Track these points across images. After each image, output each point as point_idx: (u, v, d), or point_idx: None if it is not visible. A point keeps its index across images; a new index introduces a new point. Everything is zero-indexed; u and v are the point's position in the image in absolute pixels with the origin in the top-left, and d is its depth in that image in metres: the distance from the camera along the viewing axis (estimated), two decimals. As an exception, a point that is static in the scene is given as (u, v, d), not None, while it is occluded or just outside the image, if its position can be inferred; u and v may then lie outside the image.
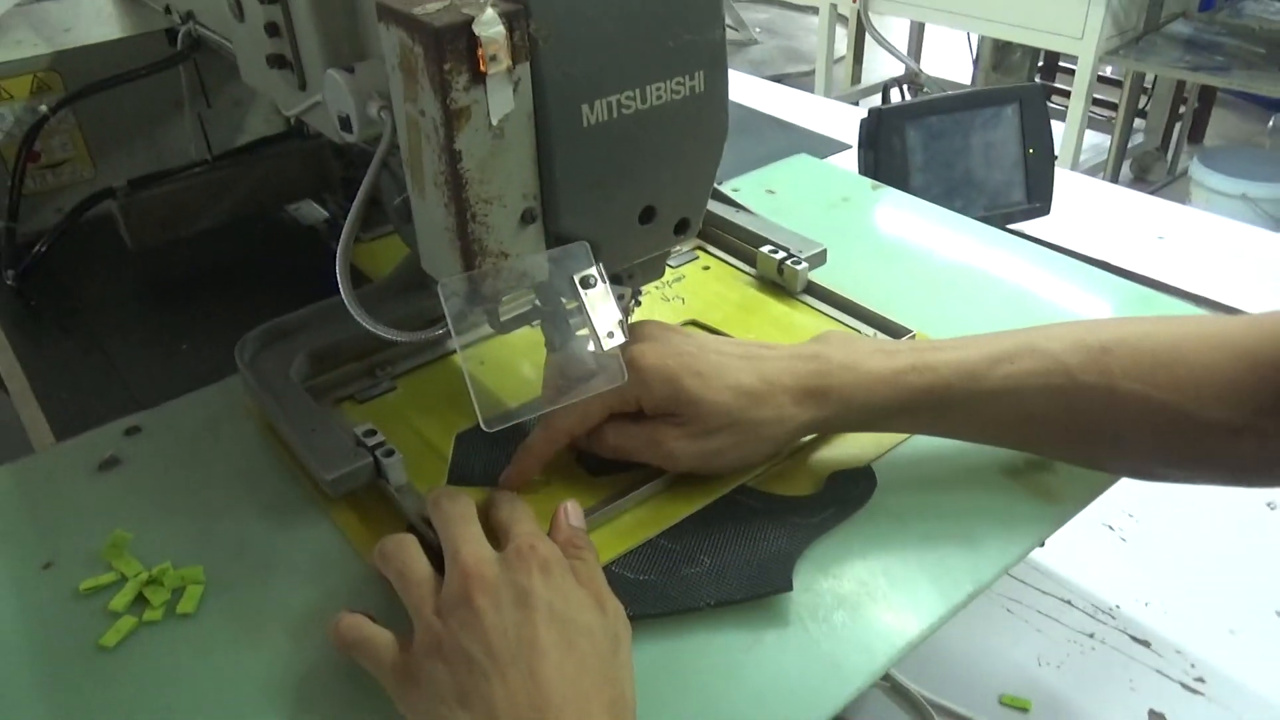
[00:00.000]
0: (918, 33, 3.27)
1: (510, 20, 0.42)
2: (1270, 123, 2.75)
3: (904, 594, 0.48)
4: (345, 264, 0.50)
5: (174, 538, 0.52)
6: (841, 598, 0.48)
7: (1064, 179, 1.12)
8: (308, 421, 0.55)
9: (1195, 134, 3.13)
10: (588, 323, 0.49)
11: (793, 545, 0.49)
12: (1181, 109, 2.94)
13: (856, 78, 3.12)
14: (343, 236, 0.50)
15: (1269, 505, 0.82)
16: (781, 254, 0.71)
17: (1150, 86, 2.85)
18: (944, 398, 0.51)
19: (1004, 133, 0.96)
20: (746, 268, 0.75)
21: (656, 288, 0.72)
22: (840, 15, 2.95)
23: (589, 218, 0.49)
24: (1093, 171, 2.69)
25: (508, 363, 0.60)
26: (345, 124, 0.54)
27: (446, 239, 0.46)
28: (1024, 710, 0.67)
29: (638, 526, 0.51)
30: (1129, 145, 2.73)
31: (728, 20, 3.70)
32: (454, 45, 0.41)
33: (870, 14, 2.81)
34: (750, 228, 0.75)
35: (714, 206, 0.78)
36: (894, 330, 0.65)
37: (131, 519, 0.53)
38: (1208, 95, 3.07)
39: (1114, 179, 2.63)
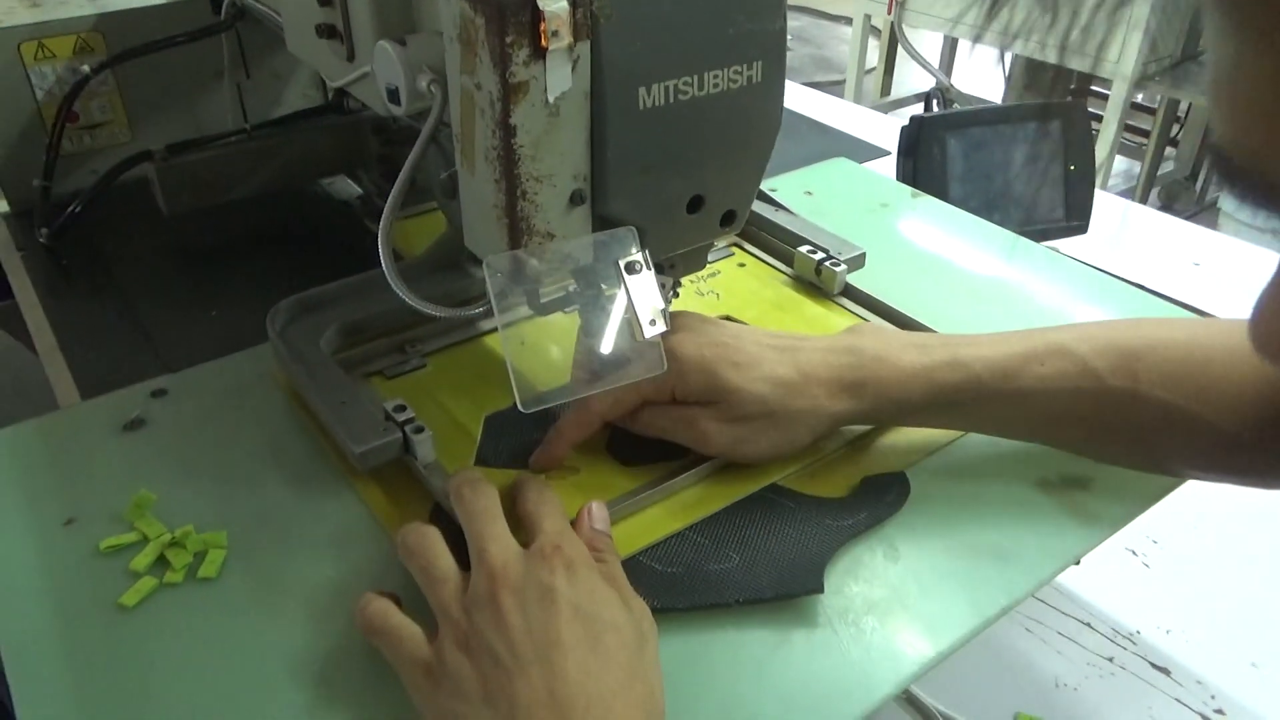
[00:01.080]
0: (950, 48, 3.25)
1: (574, -3, 0.41)
2: (1302, 158, 2.73)
3: (935, 604, 0.47)
4: (387, 238, 0.49)
5: (196, 502, 0.51)
6: (873, 603, 0.47)
7: (1101, 200, 1.11)
8: (337, 394, 0.55)
9: (1225, 166, 3.10)
10: (630, 308, 0.49)
11: (824, 547, 0.49)
12: (1213, 139, 2.92)
13: (887, 89, 3.11)
14: (386, 209, 0.49)
15: (1294, 540, 0.81)
16: (820, 255, 0.71)
17: (1184, 115, 2.83)
18: (975, 395, 0.52)
19: (1046, 148, 0.95)
20: (783, 267, 0.74)
21: (691, 281, 0.72)
22: (874, 26, 2.94)
23: (637, 203, 0.48)
24: (1122, 196, 2.67)
25: (546, 345, 0.60)
26: (394, 96, 0.53)
27: (494, 216, 0.46)
28: (1040, 731, 0.66)
29: (668, 518, 0.51)
30: (1159, 172, 2.71)
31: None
32: (517, 18, 0.40)
33: (904, 26, 2.80)
34: (790, 227, 0.74)
35: (753, 205, 0.78)
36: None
37: (155, 481, 0.52)
38: (1240, 127, 3.04)
39: (1143, 202, 2.61)
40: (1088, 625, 0.74)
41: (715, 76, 0.47)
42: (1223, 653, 0.71)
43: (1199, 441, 0.50)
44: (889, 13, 2.79)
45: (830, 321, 0.68)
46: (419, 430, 0.52)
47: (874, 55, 3.02)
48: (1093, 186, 0.96)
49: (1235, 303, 1.02)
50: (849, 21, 3.05)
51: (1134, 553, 0.79)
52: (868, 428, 0.56)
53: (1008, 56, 2.99)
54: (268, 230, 0.84)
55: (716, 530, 0.50)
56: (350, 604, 0.44)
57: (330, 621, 0.45)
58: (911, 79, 3.38)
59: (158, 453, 0.55)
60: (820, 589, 0.46)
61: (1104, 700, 0.68)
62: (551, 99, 0.43)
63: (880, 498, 0.52)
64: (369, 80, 0.56)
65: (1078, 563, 0.51)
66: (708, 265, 0.74)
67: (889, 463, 0.55)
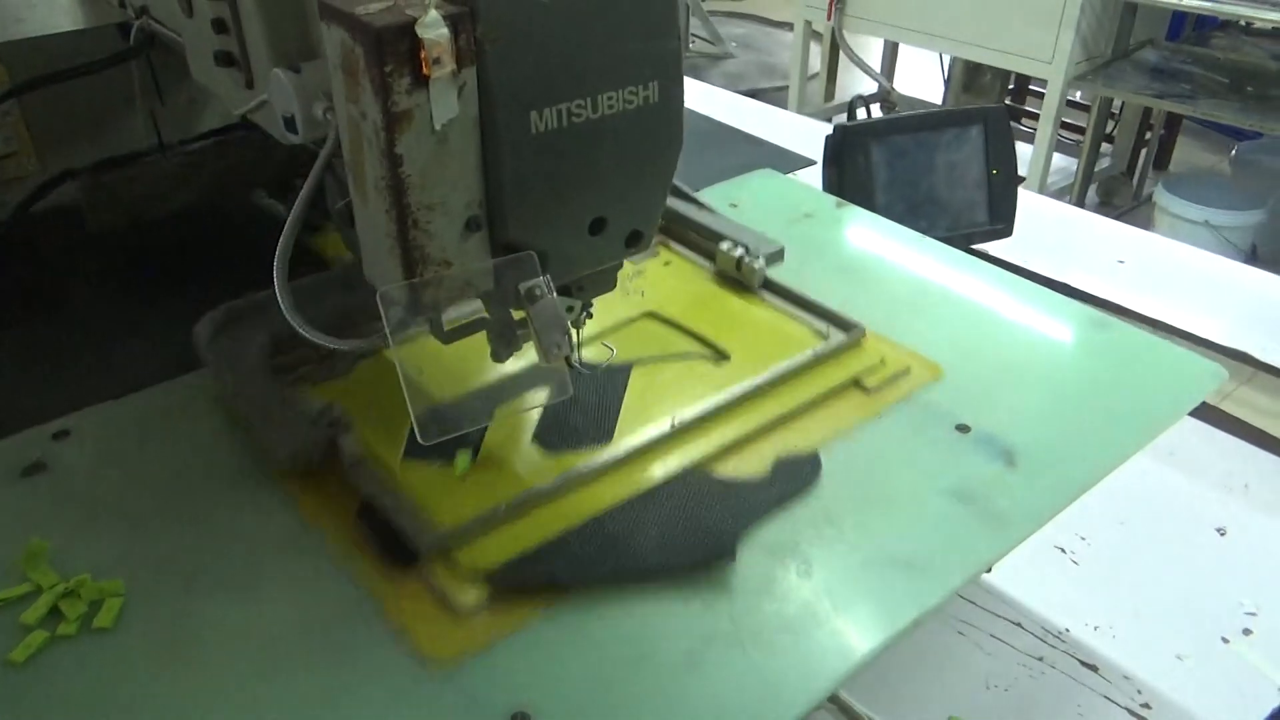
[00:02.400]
0: (891, 52, 3.29)
1: (455, 23, 0.41)
2: (1233, 151, 2.80)
3: (848, 618, 0.47)
4: (283, 266, 0.48)
5: (98, 548, 0.50)
6: (785, 621, 0.47)
7: (1029, 201, 1.13)
8: (268, 399, 0.54)
9: (1161, 160, 3.18)
10: (533, 335, 0.48)
11: (738, 519, 0.51)
12: (1148, 135, 2.99)
13: (830, 94, 3.14)
14: (281, 241, 0.48)
15: (1219, 531, 0.83)
16: (740, 250, 0.73)
17: (1118, 112, 2.89)
18: None
19: (968, 153, 0.96)
20: (706, 264, 0.76)
21: (620, 279, 0.72)
22: (815, 32, 2.97)
23: (536, 228, 0.48)
24: (1059, 194, 2.72)
25: (447, 374, 0.59)
26: (290, 125, 0.52)
27: (387, 246, 0.45)
28: (972, 734, 0.66)
29: (592, 501, 0.52)
30: (1095, 169, 2.76)
31: (703, 34, 3.69)
32: (395, 47, 0.40)
33: (844, 31, 2.83)
34: (711, 225, 0.76)
35: (675, 204, 0.79)
36: (845, 324, 0.66)
37: (54, 528, 0.51)
38: (1174, 122, 3.12)
39: (1080, 202, 2.66)
40: (1018, 625, 0.74)
41: (610, 98, 0.47)
42: (1149, 647, 0.72)
43: None
44: (828, 18, 2.82)
45: (752, 314, 0.70)
46: (346, 428, 0.51)
47: (817, 60, 3.05)
48: (1015, 189, 0.98)
49: (1155, 300, 1.04)
50: (791, 27, 3.08)
51: (1063, 550, 0.80)
52: (787, 410, 0.59)
53: (946, 59, 3.03)
54: (191, 251, 0.83)
55: (637, 511, 0.52)
56: (259, 646, 0.43)
57: (237, 664, 0.44)
58: (856, 83, 3.42)
59: (58, 498, 0.53)
60: (732, 557, 0.48)
61: (1034, 700, 0.69)
62: (438, 126, 0.42)
63: (794, 475, 0.54)
64: (269, 108, 0.55)
65: (989, 570, 0.51)
66: (632, 265, 0.75)
67: (802, 443, 0.57)
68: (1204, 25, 2.72)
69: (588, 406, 0.59)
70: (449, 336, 0.51)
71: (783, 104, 3.18)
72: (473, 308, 0.56)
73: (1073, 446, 0.58)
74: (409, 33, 0.40)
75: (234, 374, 0.56)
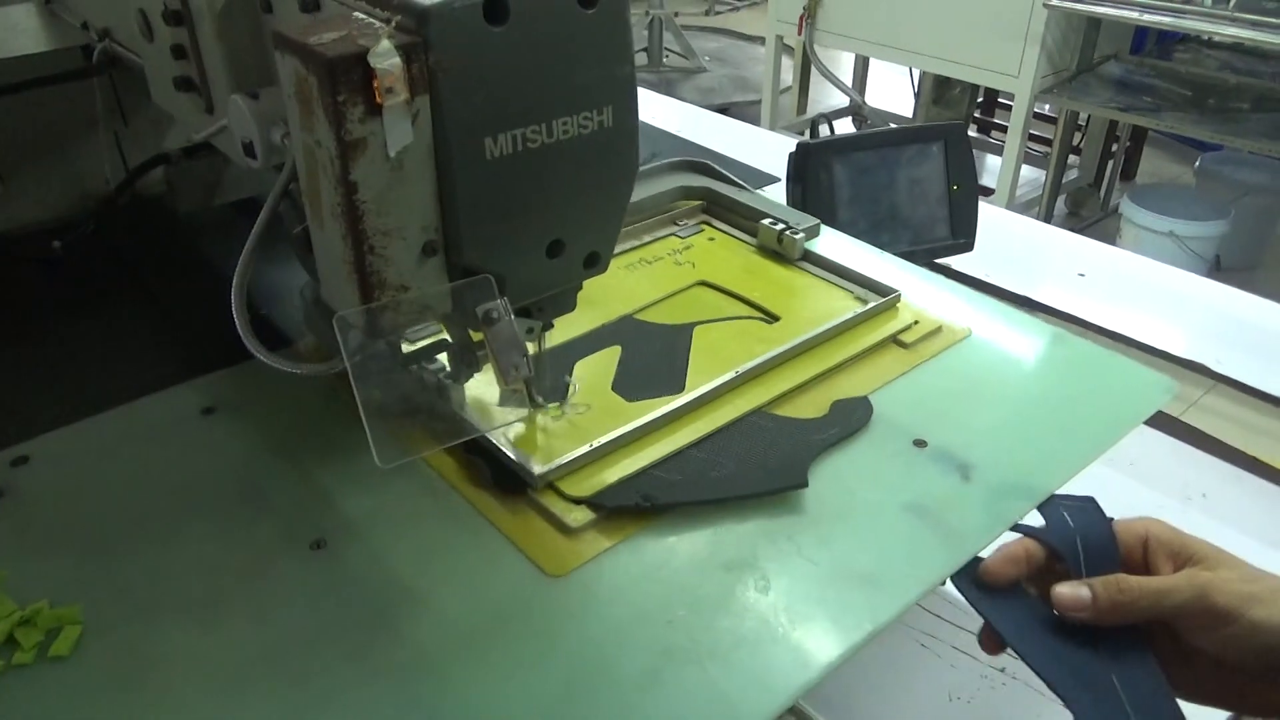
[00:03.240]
0: (862, 66, 3.33)
1: (408, 52, 0.41)
2: (1197, 163, 2.85)
3: (804, 632, 0.48)
4: (240, 294, 0.48)
5: (57, 575, 0.50)
6: (741, 637, 0.48)
7: (991, 215, 1.15)
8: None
9: (1128, 171, 3.23)
10: (491, 357, 0.49)
11: (806, 452, 0.57)
12: (1114, 147, 3.03)
13: (803, 108, 3.17)
14: (239, 266, 0.49)
15: (1178, 539, 0.84)
16: (780, 225, 0.80)
17: (1084, 125, 2.94)
18: None
19: (929, 170, 0.97)
20: (747, 238, 0.83)
21: (670, 254, 0.81)
22: (787, 46, 3.00)
23: (493, 251, 0.48)
24: (1028, 206, 2.76)
25: (407, 399, 0.59)
26: (249, 150, 0.53)
27: (344, 271, 0.46)
28: (934, 746, 0.67)
29: (670, 440, 0.58)
30: (1064, 181, 2.80)
31: (677, 48, 3.70)
32: (348, 76, 0.40)
33: (815, 46, 2.86)
34: (751, 204, 0.84)
35: (716, 185, 0.88)
36: (881, 289, 0.73)
37: (11, 556, 0.51)
38: (1139, 134, 3.17)
39: (1049, 214, 2.70)
40: (981, 636, 0.75)
41: (565, 123, 0.48)
42: (1109, 655, 0.74)
43: None
44: (799, 33, 2.85)
45: (795, 281, 0.77)
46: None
47: (789, 74, 3.08)
48: (976, 204, 0.99)
49: (1115, 312, 1.05)
50: (763, 42, 3.10)
51: (1025, 561, 0.81)
52: (837, 361, 0.66)
53: (916, 73, 3.07)
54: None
55: (712, 447, 0.58)
56: (220, 671, 0.43)
57: (194, 691, 0.44)
58: (828, 97, 3.45)
59: (16, 525, 0.53)
60: (805, 483, 0.55)
61: (996, 711, 0.70)
62: (392, 154, 0.43)
63: (849, 417, 0.61)
64: (228, 133, 0.55)
65: (944, 584, 0.52)
66: (681, 240, 0.83)
67: (854, 389, 0.64)
68: (1166, 39, 2.77)
69: (659, 362, 0.65)
70: (407, 359, 0.51)
71: (756, 117, 3.21)
72: (434, 329, 0.56)
73: (1027, 460, 0.59)
74: (361, 62, 0.40)
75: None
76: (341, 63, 0.40)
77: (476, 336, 0.53)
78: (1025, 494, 0.57)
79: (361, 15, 0.44)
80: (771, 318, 0.72)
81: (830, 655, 0.47)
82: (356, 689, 0.45)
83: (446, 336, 0.55)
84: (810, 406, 0.62)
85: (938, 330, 0.71)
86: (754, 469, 0.56)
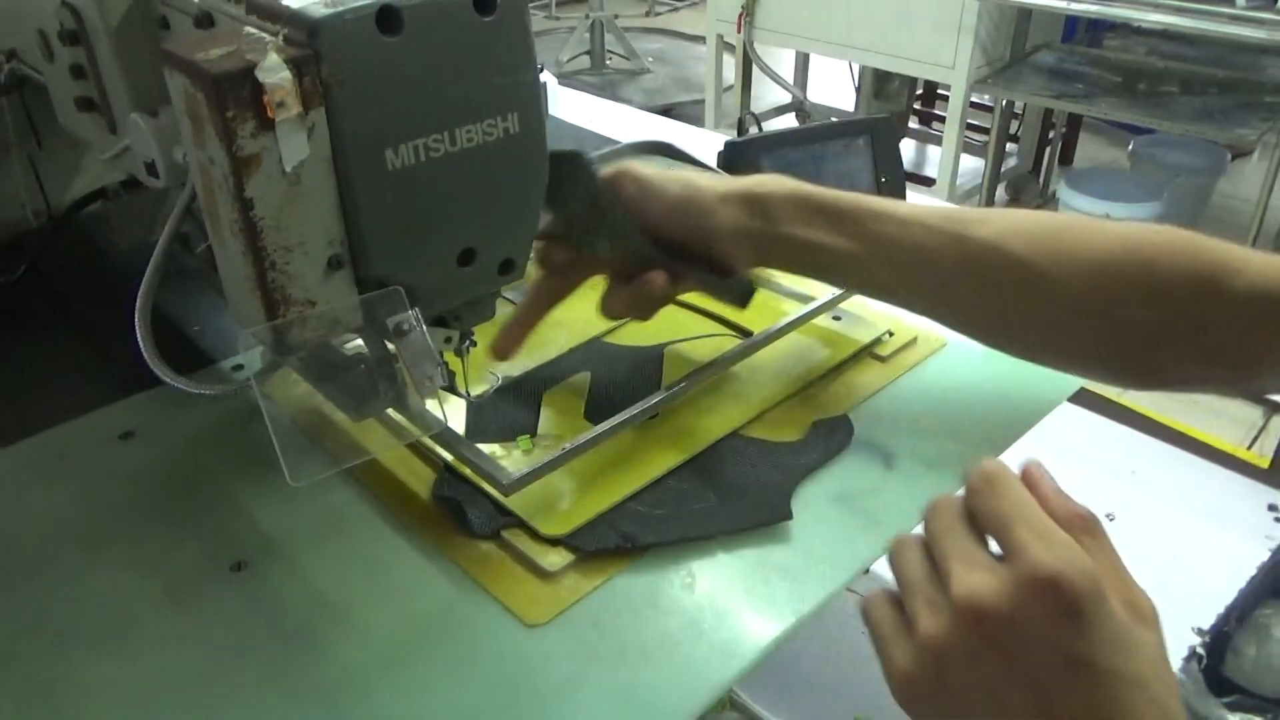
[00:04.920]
0: (803, 62, 3.36)
1: (298, 65, 0.41)
2: (1130, 146, 2.91)
3: (729, 627, 0.48)
4: (144, 314, 0.48)
5: (-34, 609, 0.49)
6: (667, 634, 0.48)
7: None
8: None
9: (1065, 157, 3.29)
10: (404, 370, 0.49)
11: (787, 480, 0.56)
12: (1051, 134, 3.09)
13: (746, 105, 3.18)
14: (143, 286, 0.48)
15: (1108, 516, 0.86)
16: None
17: (1021, 113, 2.99)
18: (852, 206, 0.57)
19: (856, 164, 0.98)
20: None
21: None
22: (728, 44, 3.01)
23: (401, 262, 0.48)
24: (970, 194, 2.80)
25: (315, 414, 0.59)
26: (151, 170, 0.52)
27: (247, 288, 0.45)
28: (875, 732, 0.68)
29: (646, 468, 0.56)
30: (1003, 169, 2.85)
31: (620, 50, 3.71)
32: (236, 92, 0.40)
33: (755, 44, 2.88)
34: None
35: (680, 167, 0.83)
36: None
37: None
38: (1075, 121, 3.23)
39: (989, 201, 2.74)
40: (919, 621, 0.76)
41: (469, 132, 0.48)
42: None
43: (1048, 307, 0.53)
44: (739, 31, 2.87)
45: (762, 296, 0.72)
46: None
47: (732, 73, 3.10)
48: (905, 196, 1.00)
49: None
50: (704, 41, 3.12)
51: (962, 545, 0.83)
52: (815, 377, 0.64)
53: (855, 67, 3.11)
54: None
55: (692, 476, 0.56)
56: (137, 699, 0.43)
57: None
58: (771, 94, 3.48)
59: (-75, 560, 0.52)
60: (789, 516, 0.53)
61: (935, 693, 0.71)
62: (288, 169, 0.43)
63: (830, 437, 0.60)
64: (132, 153, 0.54)
65: (867, 571, 0.52)
66: None
67: (834, 408, 0.62)
68: (1096, 27, 2.83)
69: (630, 387, 0.63)
70: (322, 374, 0.51)
71: (700, 116, 3.22)
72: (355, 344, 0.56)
73: (949, 446, 0.60)
74: (249, 77, 0.40)
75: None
76: (228, 78, 0.40)
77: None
78: (948, 480, 0.58)
79: (253, 30, 0.43)
80: (744, 333, 0.69)
81: (756, 649, 0.47)
82: (277, 710, 0.44)
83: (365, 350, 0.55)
84: (788, 425, 0.61)
85: (913, 341, 0.69)
86: (736, 500, 0.55)
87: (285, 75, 0.40)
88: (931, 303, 0.59)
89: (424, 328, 0.49)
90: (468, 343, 0.58)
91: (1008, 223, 0.55)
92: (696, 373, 0.61)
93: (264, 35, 0.42)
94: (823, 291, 0.70)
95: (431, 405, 0.50)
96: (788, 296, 0.75)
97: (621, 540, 0.52)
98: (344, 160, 0.44)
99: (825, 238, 0.57)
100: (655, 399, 0.59)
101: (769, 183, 0.59)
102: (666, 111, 3.69)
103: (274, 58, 0.40)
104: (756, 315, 0.71)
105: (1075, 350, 0.55)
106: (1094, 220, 0.55)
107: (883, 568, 0.81)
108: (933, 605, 0.33)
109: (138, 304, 0.48)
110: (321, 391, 0.54)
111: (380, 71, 0.44)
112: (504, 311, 0.58)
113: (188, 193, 0.48)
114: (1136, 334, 0.52)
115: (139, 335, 0.47)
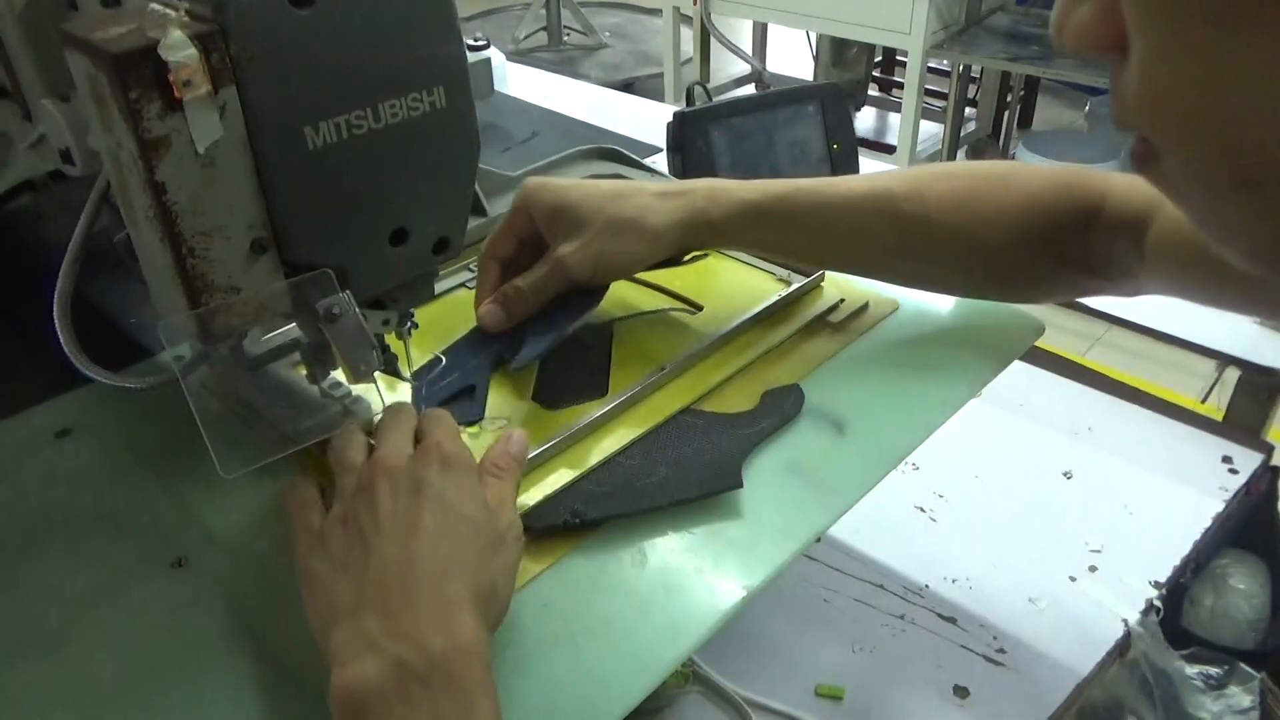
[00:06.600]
0: (761, 33, 3.34)
1: (205, 42, 0.40)
2: (1086, 107, 2.93)
3: (679, 603, 0.48)
4: (64, 308, 0.46)
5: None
6: (616, 613, 0.47)
7: (875, 170, 1.16)
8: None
9: (1024, 120, 3.30)
10: (337, 354, 0.47)
11: (739, 450, 0.55)
12: (1009, 97, 3.10)
13: (706, 77, 3.16)
14: (60, 279, 0.46)
15: (1065, 475, 0.87)
16: None
17: (979, 77, 2.99)
18: (789, 206, 0.62)
19: (807, 130, 0.98)
20: None
21: None
22: (684, 16, 2.99)
23: (329, 245, 0.47)
24: (930, 160, 2.80)
25: (247, 403, 0.57)
26: (67, 157, 0.50)
27: (167, 276, 0.44)
28: (837, 699, 0.68)
29: (596, 450, 0.56)
30: (963, 133, 2.85)
31: (576, 25, 3.66)
32: (138, 72, 0.38)
33: (711, 15, 2.86)
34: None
35: (627, 171, 0.87)
36: (804, 270, 0.71)
37: None
38: (1032, 83, 3.24)
39: (950, 166, 2.75)
40: (880, 587, 0.77)
41: (393, 107, 0.46)
42: (1003, 594, 0.76)
43: (974, 257, 0.62)
44: (695, 3, 2.84)
45: (714, 268, 0.74)
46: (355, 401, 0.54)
47: (690, 45, 3.07)
48: (857, 161, 1.00)
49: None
50: (661, 14, 3.09)
51: (922, 509, 0.83)
52: (765, 348, 0.64)
53: (813, 36, 3.09)
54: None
55: (642, 452, 0.56)
56: (74, 702, 0.41)
57: (44, 728, 0.42)
58: (730, 65, 3.45)
59: None
60: (740, 484, 0.53)
61: (896, 657, 0.71)
62: (201, 150, 0.41)
63: (780, 406, 0.59)
64: (48, 141, 0.52)
65: (819, 540, 0.52)
66: None
67: (785, 377, 0.62)
68: (1050, -12, 2.83)
69: (578, 364, 0.63)
70: (253, 363, 0.49)
71: (660, 90, 3.20)
72: (286, 329, 0.55)
73: (900, 410, 0.60)
74: (151, 55, 0.38)
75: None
76: (128, 57, 0.38)
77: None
78: (898, 444, 0.57)
79: (157, 6, 0.41)
80: (694, 308, 0.69)
81: (707, 625, 0.47)
82: (217, 704, 0.43)
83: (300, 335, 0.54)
84: (742, 398, 0.60)
85: (864, 306, 0.68)
86: (687, 472, 0.54)
87: (190, 53, 0.39)
88: (868, 270, 0.67)
89: (358, 311, 0.47)
90: (409, 324, 0.57)
91: (933, 191, 0.62)
92: (654, 380, 0.60)
93: (168, 11, 0.40)
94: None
95: (368, 390, 0.49)
96: (740, 257, 0.76)
97: (570, 517, 0.51)
98: (260, 140, 0.43)
99: (767, 237, 0.64)
100: (608, 405, 0.58)
101: (703, 199, 0.62)
102: (626, 86, 3.66)
103: (177, 34, 0.38)
104: (697, 279, 0.71)
105: (994, 287, 0.65)
106: (1003, 174, 0.62)
107: (837, 532, 0.81)
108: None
109: (55, 297, 0.46)
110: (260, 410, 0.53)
111: (293, 46, 0.42)
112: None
113: (102, 180, 0.46)
114: (1039, 265, 0.62)
115: (58, 328, 0.45)
